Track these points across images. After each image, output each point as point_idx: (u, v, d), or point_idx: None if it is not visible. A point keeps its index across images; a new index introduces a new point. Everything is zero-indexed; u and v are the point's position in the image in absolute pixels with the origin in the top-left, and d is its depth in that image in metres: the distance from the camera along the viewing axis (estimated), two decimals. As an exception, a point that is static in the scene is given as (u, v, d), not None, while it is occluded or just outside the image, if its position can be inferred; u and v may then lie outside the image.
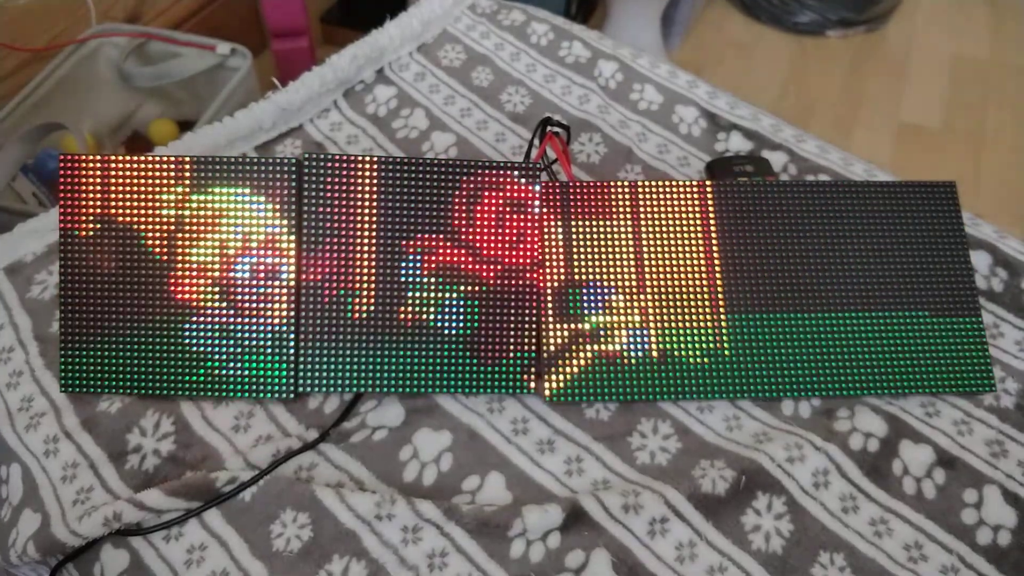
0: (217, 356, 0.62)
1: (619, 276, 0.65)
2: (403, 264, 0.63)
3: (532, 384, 0.63)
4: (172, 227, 0.63)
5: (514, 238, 0.64)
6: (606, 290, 0.65)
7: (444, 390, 0.63)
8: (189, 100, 1.36)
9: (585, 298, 0.64)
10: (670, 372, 0.63)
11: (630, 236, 0.66)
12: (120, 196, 0.63)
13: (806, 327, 0.64)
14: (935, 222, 0.68)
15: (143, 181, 0.63)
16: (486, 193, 0.64)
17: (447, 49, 0.94)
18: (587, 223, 0.66)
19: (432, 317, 0.63)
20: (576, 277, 0.65)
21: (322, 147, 0.84)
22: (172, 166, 0.63)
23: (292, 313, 0.62)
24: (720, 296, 0.65)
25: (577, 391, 0.63)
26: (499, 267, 0.64)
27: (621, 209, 0.67)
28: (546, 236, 0.66)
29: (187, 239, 0.63)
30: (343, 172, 0.64)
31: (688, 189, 0.67)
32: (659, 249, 0.66)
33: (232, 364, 0.62)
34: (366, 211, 0.64)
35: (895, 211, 0.68)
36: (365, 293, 0.63)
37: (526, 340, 0.63)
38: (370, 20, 0.99)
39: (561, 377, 0.63)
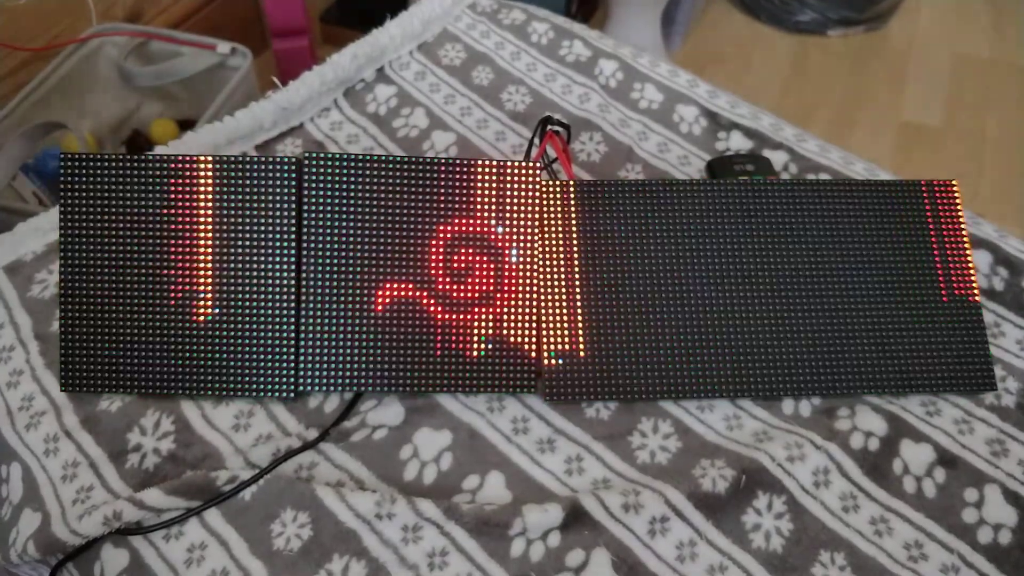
0: (217, 355, 0.62)
1: (619, 275, 0.65)
2: (404, 262, 0.63)
3: (532, 383, 0.63)
4: (172, 226, 0.63)
5: (514, 236, 0.64)
6: (606, 289, 0.65)
7: (444, 389, 0.63)
8: (189, 99, 1.36)
9: (586, 297, 0.64)
10: (670, 371, 0.63)
11: (630, 235, 0.66)
12: (120, 195, 0.63)
13: (806, 326, 0.64)
14: (936, 221, 0.68)
15: (143, 180, 0.63)
16: (486, 192, 0.64)
17: (447, 48, 0.94)
18: (587, 222, 0.66)
19: (433, 315, 0.63)
20: (576, 276, 0.65)
21: (322, 146, 0.84)
22: (173, 165, 0.63)
23: (292, 312, 0.62)
24: (720, 295, 0.65)
25: (577, 390, 0.63)
26: (500, 265, 0.64)
27: (622, 208, 0.66)
28: (546, 235, 0.65)
29: (187, 238, 0.63)
30: (343, 171, 0.64)
31: (689, 188, 0.67)
32: (659, 248, 0.66)
33: (232, 363, 0.62)
34: (366, 210, 0.63)
35: (896, 210, 0.68)
36: (365, 292, 0.63)
37: (526, 339, 0.63)
38: (370, 19, 0.99)
39: (561, 376, 0.63)
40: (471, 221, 0.64)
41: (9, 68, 1.24)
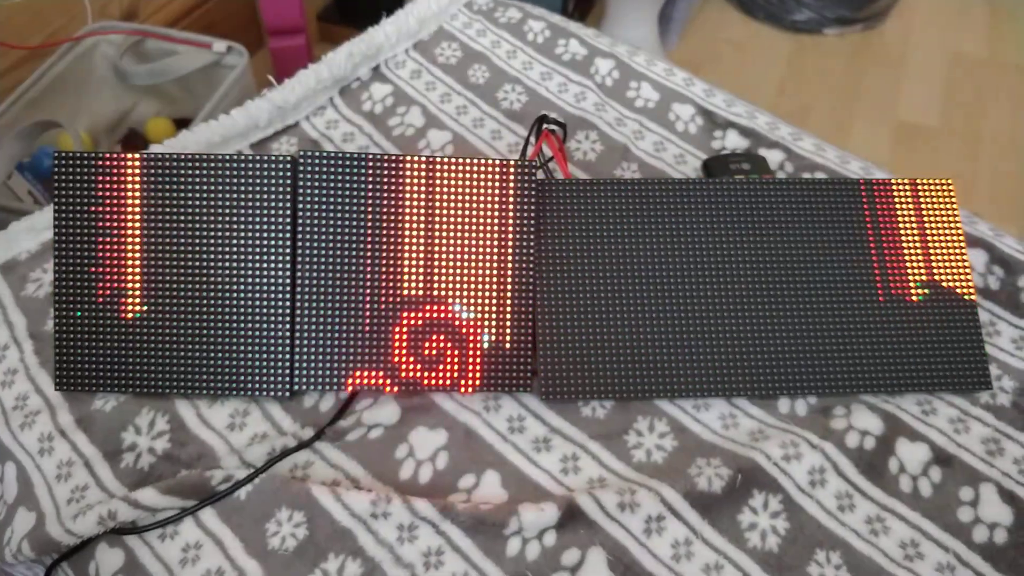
0: (212, 354, 0.62)
1: (617, 274, 0.65)
2: (400, 260, 0.63)
3: (528, 382, 0.63)
4: (167, 225, 0.63)
5: (510, 235, 0.64)
6: (603, 287, 0.65)
7: (440, 388, 0.63)
8: (185, 98, 1.36)
9: (582, 296, 0.64)
10: (667, 370, 0.63)
11: (626, 233, 0.66)
12: (115, 194, 0.63)
13: (802, 325, 0.64)
14: (932, 220, 0.68)
15: (138, 179, 0.63)
16: (482, 190, 0.64)
17: (443, 47, 0.94)
18: (583, 221, 0.66)
19: (429, 314, 0.63)
20: (573, 274, 0.65)
21: (318, 145, 0.84)
22: (168, 164, 0.63)
23: (288, 311, 0.62)
24: (718, 294, 0.65)
25: (573, 389, 0.63)
26: (495, 264, 0.64)
27: (618, 206, 0.66)
28: (543, 233, 0.65)
29: (182, 237, 0.62)
30: (339, 170, 0.63)
31: (684, 187, 0.67)
32: (658, 248, 0.66)
33: (228, 362, 0.62)
34: (362, 209, 0.63)
35: (892, 208, 0.68)
36: (361, 291, 0.63)
37: (522, 337, 0.63)
38: (366, 18, 0.99)
39: (557, 375, 0.63)
40: (467, 220, 0.64)
41: (4, 66, 1.24)
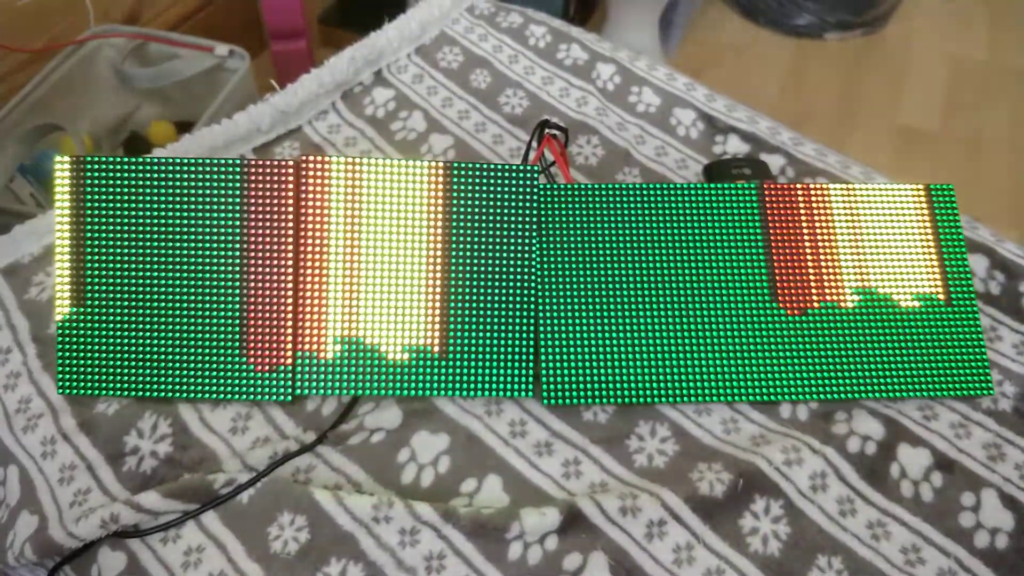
0: (215, 358, 0.62)
1: (618, 279, 0.65)
2: (401, 266, 0.63)
3: (530, 386, 0.63)
4: (169, 229, 0.63)
5: (512, 240, 0.64)
6: (605, 292, 0.65)
7: (442, 392, 0.63)
8: (187, 101, 1.36)
9: (584, 300, 0.64)
10: (668, 375, 0.63)
11: (628, 238, 0.66)
12: (117, 198, 0.63)
13: (804, 329, 0.64)
14: (933, 225, 0.68)
15: (140, 183, 0.63)
16: (484, 195, 0.64)
17: (445, 51, 0.94)
18: (586, 225, 0.66)
19: (430, 319, 0.63)
20: (575, 279, 0.65)
21: (320, 149, 0.84)
22: (169, 168, 0.63)
23: (290, 315, 0.62)
24: (716, 299, 0.65)
25: (575, 393, 0.63)
26: (497, 269, 0.64)
27: (619, 211, 0.66)
28: (544, 238, 0.66)
29: (184, 241, 0.63)
30: (341, 174, 0.64)
31: (685, 191, 0.67)
32: (659, 252, 0.66)
33: (230, 366, 0.62)
34: (364, 213, 0.63)
35: (895, 214, 0.68)
36: (362, 295, 0.63)
37: (524, 342, 0.63)
38: (368, 22, 0.99)
39: (559, 379, 0.63)
40: (469, 224, 0.64)
41: (7, 69, 1.25)
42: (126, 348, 0.62)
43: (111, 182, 0.63)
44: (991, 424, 0.64)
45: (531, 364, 0.63)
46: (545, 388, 0.63)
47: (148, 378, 0.62)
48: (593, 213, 0.66)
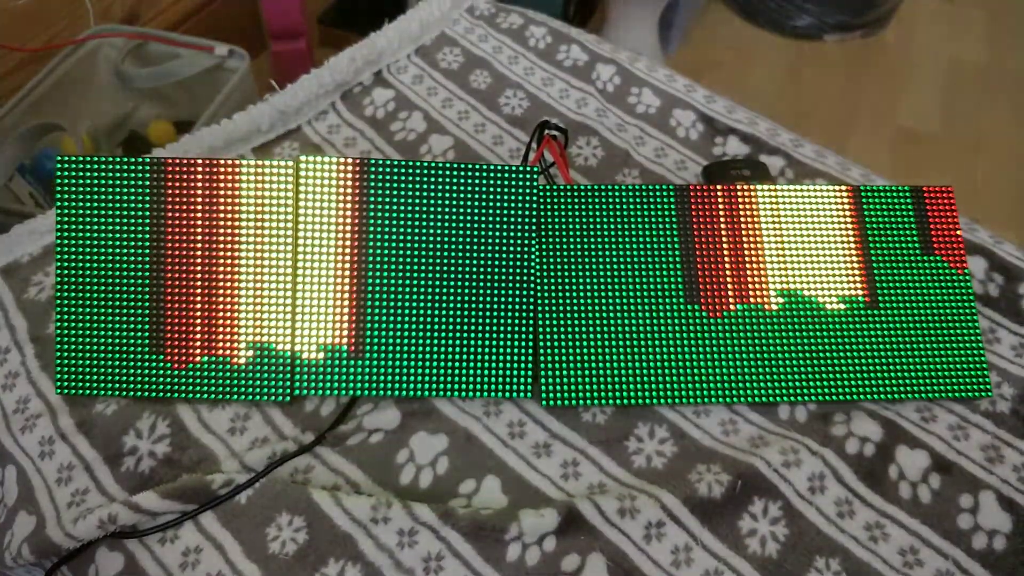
0: (213, 359, 0.62)
1: (617, 280, 0.65)
2: (400, 267, 0.63)
3: (529, 387, 0.63)
4: (169, 229, 0.63)
5: (511, 241, 0.64)
6: (604, 294, 0.65)
7: (441, 393, 0.63)
8: (187, 101, 1.36)
9: (583, 301, 0.64)
10: (667, 376, 0.63)
11: (628, 240, 0.66)
12: (117, 198, 0.63)
13: (803, 331, 0.64)
14: (932, 227, 0.68)
15: (140, 183, 0.63)
16: (484, 196, 0.64)
17: (445, 52, 0.94)
18: (585, 226, 0.66)
19: (429, 320, 0.63)
20: (574, 280, 0.65)
21: (320, 149, 0.84)
22: (170, 168, 0.63)
23: (288, 315, 0.62)
24: (718, 300, 0.65)
25: (574, 394, 0.63)
26: (496, 270, 0.64)
27: (619, 212, 0.66)
28: (544, 239, 0.66)
29: (183, 241, 0.63)
30: (341, 174, 0.64)
31: (684, 192, 0.67)
32: (659, 252, 0.66)
33: (228, 367, 0.62)
34: (364, 214, 0.63)
35: (892, 216, 0.68)
36: (362, 296, 0.63)
37: (523, 343, 0.63)
38: (368, 22, 0.99)
39: (558, 380, 0.63)
40: (468, 225, 0.64)
41: (6, 69, 1.24)
42: (124, 348, 0.62)
43: (111, 182, 0.63)
44: (989, 426, 0.64)
45: (530, 365, 0.63)
46: (544, 389, 0.63)
47: (146, 378, 0.62)
48: (592, 214, 0.66)
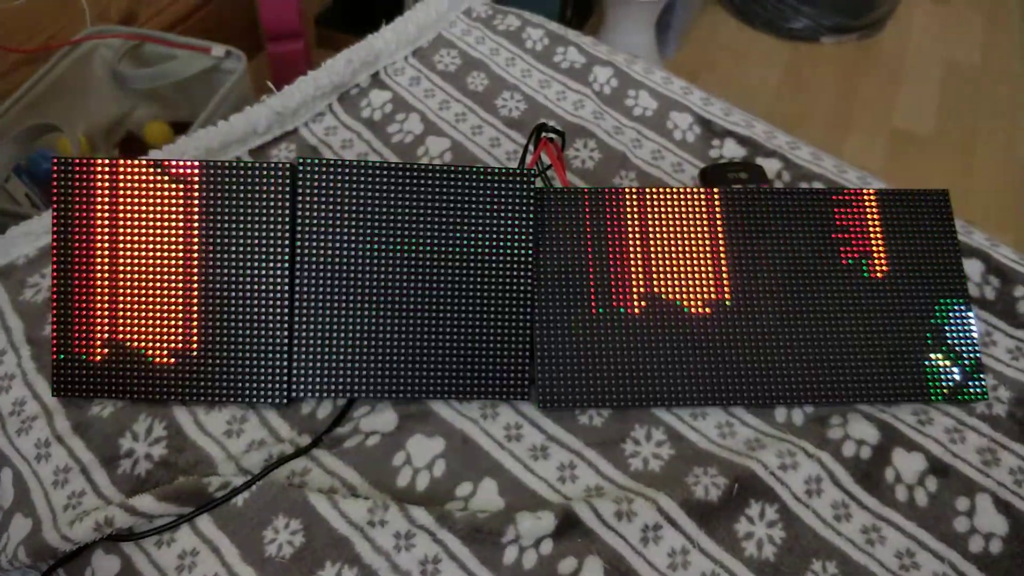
0: (210, 361, 0.62)
1: (614, 282, 0.65)
2: (397, 270, 0.63)
3: (526, 390, 0.63)
4: (165, 231, 0.63)
5: (507, 244, 0.64)
6: (601, 296, 0.65)
7: (438, 396, 0.63)
8: (183, 102, 1.36)
9: (580, 304, 0.64)
10: (664, 379, 0.63)
11: (625, 242, 0.66)
12: (113, 199, 0.63)
13: (800, 335, 0.65)
14: (928, 230, 0.68)
15: (136, 184, 0.63)
16: (481, 199, 0.64)
17: (442, 54, 0.94)
18: (582, 229, 0.66)
19: (426, 323, 0.63)
20: (571, 282, 0.65)
21: (317, 151, 0.84)
22: (166, 169, 0.63)
23: (286, 318, 0.62)
24: (716, 303, 0.65)
25: (571, 397, 0.63)
26: (493, 273, 0.64)
27: (615, 215, 0.67)
28: (541, 242, 0.66)
29: (180, 243, 0.63)
30: (337, 177, 0.63)
31: (683, 196, 0.67)
32: (656, 255, 0.66)
33: (225, 369, 0.62)
34: (360, 216, 0.63)
35: (889, 219, 0.68)
36: (358, 298, 0.63)
37: (520, 346, 0.63)
38: (366, 23, 0.99)
39: (555, 383, 0.63)
40: (465, 228, 0.64)
41: (3, 70, 1.24)
42: (121, 350, 0.62)
43: (108, 184, 0.63)
44: (985, 429, 0.64)
45: (527, 368, 0.63)
46: (540, 392, 0.63)
47: (143, 381, 0.62)
48: (589, 216, 0.66)
